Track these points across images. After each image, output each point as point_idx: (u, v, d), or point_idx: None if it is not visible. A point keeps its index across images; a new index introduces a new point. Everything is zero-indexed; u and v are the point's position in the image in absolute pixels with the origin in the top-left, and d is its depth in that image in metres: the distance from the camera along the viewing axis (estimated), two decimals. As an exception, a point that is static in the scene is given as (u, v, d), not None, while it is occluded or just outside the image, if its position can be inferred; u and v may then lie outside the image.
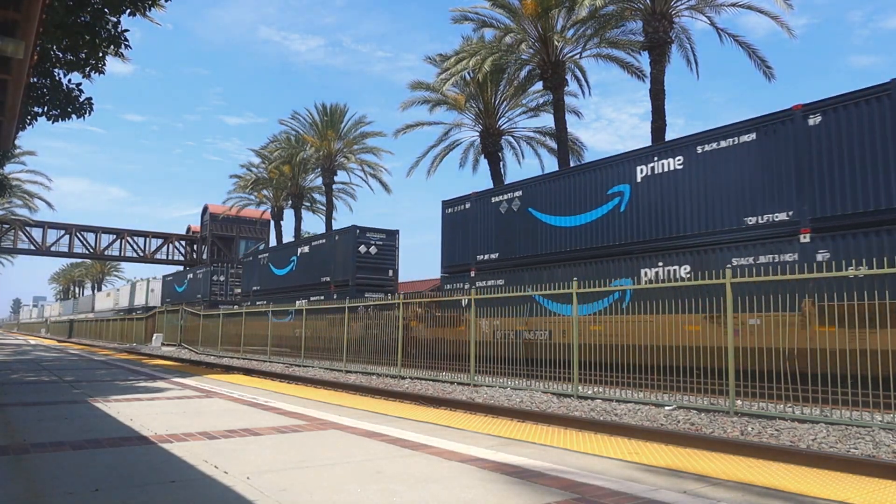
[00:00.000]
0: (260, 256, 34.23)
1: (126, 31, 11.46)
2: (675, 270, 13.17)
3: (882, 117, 10.67)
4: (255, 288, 33.66)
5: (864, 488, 4.90)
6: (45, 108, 11.57)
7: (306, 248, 29.44)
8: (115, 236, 56.45)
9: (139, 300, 57.17)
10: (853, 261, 9.45)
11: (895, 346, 8.47)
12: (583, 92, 26.90)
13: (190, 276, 47.51)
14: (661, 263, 13.56)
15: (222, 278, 43.14)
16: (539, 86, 25.96)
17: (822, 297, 9.98)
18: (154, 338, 37.17)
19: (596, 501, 3.64)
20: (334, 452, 5.03)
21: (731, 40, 21.47)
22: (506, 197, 18.10)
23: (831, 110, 11.35)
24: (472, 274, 18.69)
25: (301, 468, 4.42)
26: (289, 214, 44.66)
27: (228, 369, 18.58)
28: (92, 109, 11.91)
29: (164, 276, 54.52)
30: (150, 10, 11.49)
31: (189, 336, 32.49)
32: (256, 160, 44.27)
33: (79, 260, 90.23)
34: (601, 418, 9.11)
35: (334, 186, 40.05)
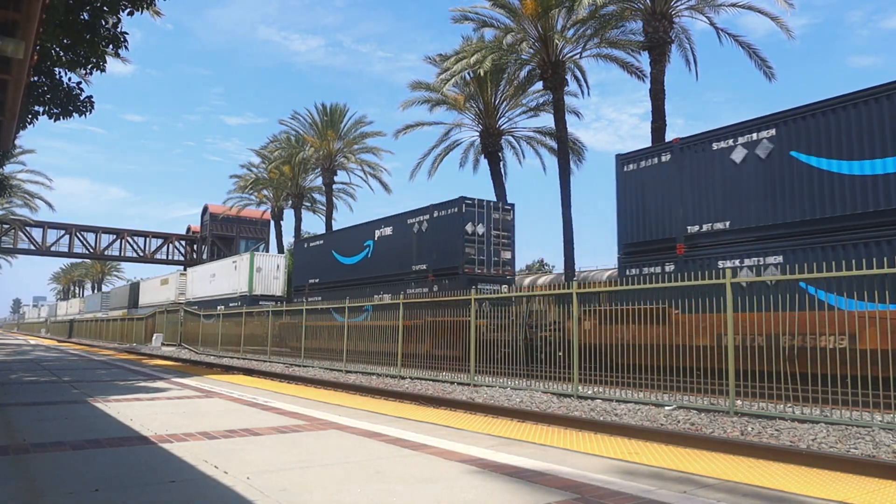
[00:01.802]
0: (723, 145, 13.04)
1: (125, 32, 11.48)
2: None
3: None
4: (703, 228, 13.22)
5: (864, 488, 4.90)
6: (46, 107, 11.57)
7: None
8: (115, 236, 56.52)
9: (231, 286, 36.49)
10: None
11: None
12: (582, 92, 26.93)
13: (384, 231, 23.20)
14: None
15: (481, 229, 20.36)
16: (539, 86, 25.98)
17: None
18: (154, 338, 37.15)
19: (596, 501, 3.64)
20: (334, 452, 5.03)
21: (731, 40, 21.51)
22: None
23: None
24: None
25: (301, 468, 4.42)
26: (289, 214, 44.77)
27: (228, 369, 18.58)
28: (93, 107, 11.92)
29: (301, 241, 30.76)
30: (148, 8, 11.48)
31: (189, 336, 32.48)
32: (256, 160, 44.40)
33: (79, 260, 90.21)
34: (601, 418, 9.11)
35: (334, 186, 40.10)
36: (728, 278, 9.71)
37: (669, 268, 13.64)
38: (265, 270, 35.60)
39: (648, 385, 11.02)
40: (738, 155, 12.83)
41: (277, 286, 35.71)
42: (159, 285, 50.76)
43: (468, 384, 13.46)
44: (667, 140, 16.52)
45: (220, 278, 38.66)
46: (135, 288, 58.20)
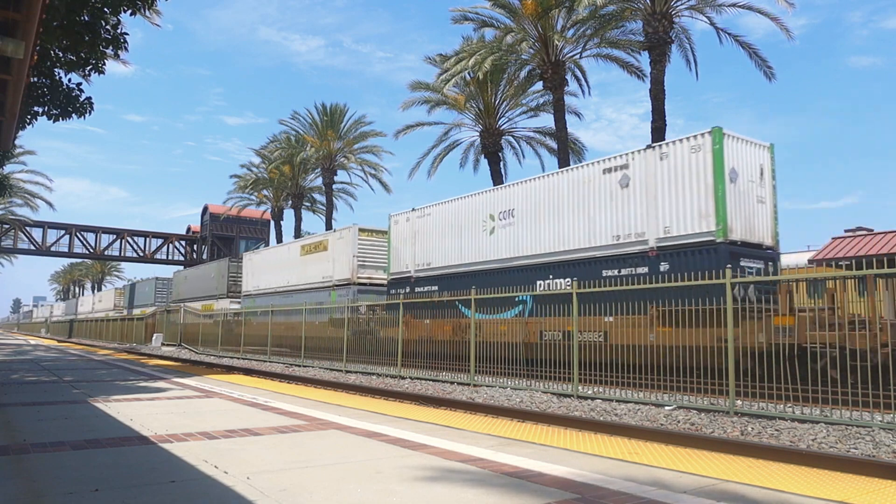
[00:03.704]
0: None
1: (125, 33, 11.47)
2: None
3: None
4: None
5: (864, 488, 4.90)
6: (46, 108, 11.57)
7: None
8: (115, 236, 56.52)
9: (622, 225, 14.36)
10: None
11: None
12: (583, 92, 26.94)
13: None
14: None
15: None
16: (539, 86, 26.01)
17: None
18: (154, 338, 37.18)
19: (596, 501, 3.64)
20: (334, 452, 5.03)
21: (732, 40, 21.51)
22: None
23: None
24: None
25: (301, 468, 4.42)
26: (289, 214, 44.77)
27: (229, 369, 18.58)
28: (92, 109, 11.92)
29: None
30: (149, 9, 11.48)
31: (189, 336, 32.48)
32: (256, 160, 44.37)
33: (79, 260, 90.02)
34: (601, 418, 9.11)
35: (334, 186, 40.12)
36: (728, 278, 9.71)
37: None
38: (743, 177, 13.48)
39: (648, 385, 11.03)
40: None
41: (763, 219, 13.90)
42: (298, 256, 28.34)
43: (468, 384, 13.46)
44: (666, 139, 16.59)
45: (556, 218, 16.21)
46: (223, 267, 37.58)
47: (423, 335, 16.65)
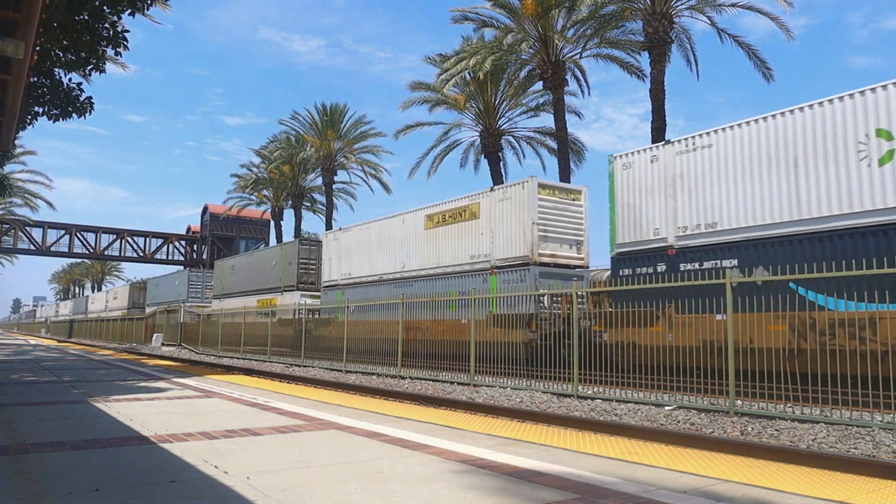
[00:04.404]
0: None
1: (126, 31, 11.47)
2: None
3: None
4: None
5: (864, 488, 4.90)
6: (46, 108, 11.57)
7: None
8: (115, 236, 56.54)
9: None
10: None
11: None
12: (583, 92, 26.96)
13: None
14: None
15: None
16: (539, 86, 26.04)
17: None
18: (154, 338, 37.17)
19: (596, 501, 3.64)
20: (334, 452, 5.03)
21: (732, 41, 21.51)
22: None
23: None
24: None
25: (301, 468, 4.42)
26: (289, 214, 44.80)
27: (229, 369, 18.58)
28: (92, 108, 11.92)
29: None
30: (149, 8, 11.48)
31: (189, 336, 32.47)
32: (257, 160, 44.40)
33: (79, 260, 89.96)
34: (601, 418, 9.10)
35: (334, 186, 40.14)
36: (728, 278, 9.70)
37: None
38: None
39: (648, 385, 11.02)
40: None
41: None
42: (422, 230, 20.37)
43: (468, 384, 13.46)
44: (666, 139, 16.41)
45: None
46: (290, 252, 28.52)
47: (696, 341, 11.00)
